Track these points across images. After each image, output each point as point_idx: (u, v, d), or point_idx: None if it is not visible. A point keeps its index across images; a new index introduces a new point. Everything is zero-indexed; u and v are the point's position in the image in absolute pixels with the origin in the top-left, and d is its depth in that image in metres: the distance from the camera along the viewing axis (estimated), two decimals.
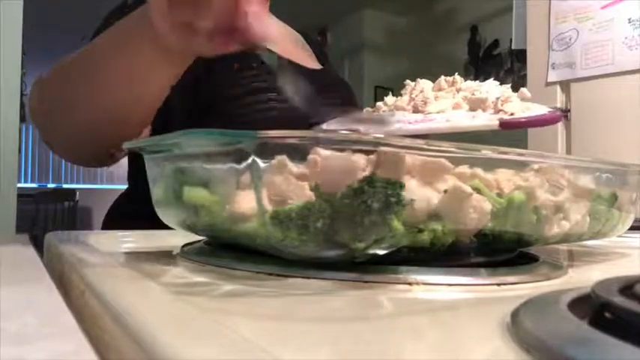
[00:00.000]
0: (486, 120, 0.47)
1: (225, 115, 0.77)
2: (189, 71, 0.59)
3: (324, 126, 0.58)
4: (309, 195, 0.29)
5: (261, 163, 0.28)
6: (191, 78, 0.63)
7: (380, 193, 0.28)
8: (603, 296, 0.20)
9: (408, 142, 0.29)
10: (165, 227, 0.41)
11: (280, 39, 0.55)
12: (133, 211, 0.79)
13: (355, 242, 0.29)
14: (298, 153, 0.29)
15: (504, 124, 0.46)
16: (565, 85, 1.68)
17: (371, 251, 0.30)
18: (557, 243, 0.40)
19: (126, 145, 0.38)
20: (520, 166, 0.35)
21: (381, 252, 0.30)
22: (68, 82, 0.63)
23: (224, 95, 0.80)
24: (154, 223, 0.50)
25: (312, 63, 0.88)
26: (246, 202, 0.31)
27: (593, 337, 0.17)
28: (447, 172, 0.31)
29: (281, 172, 0.29)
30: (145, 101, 0.62)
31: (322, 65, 1.07)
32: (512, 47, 1.97)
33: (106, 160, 0.73)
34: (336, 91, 0.91)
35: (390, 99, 0.55)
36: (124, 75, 0.59)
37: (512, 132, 0.48)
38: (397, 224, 0.29)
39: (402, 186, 0.29)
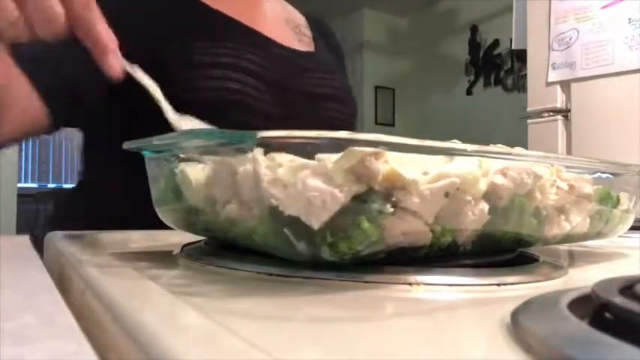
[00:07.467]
0: None
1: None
2: None
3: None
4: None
5: (262, 163, 0.28)
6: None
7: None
8: (603, 296, 0.20)
9: (407, 141, 0.29)
10: (165, 227, 0.41)
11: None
12: (87, 211, 0.74)
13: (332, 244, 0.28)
14: (299, 153, 0.29)
15: None
16: (565, 85, 1.68)
17: (350, 253, 0.29)
18: (558, 243, 0.40)
19: (126, 145, 0.38)
20: None
21: (365, 253, 0.29)
22: None
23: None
24: (116, 224, 0.48)
25: (299, 45, 0.80)
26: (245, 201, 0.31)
27: (593, 337, 0.17)
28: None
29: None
30: None
31: (341, 62, 0.99)
32: (512, 47, 1.97)
33: None
34: (336, 103, 0.84)
35: None
36: None
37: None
38: (368, 227, 0.28)
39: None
